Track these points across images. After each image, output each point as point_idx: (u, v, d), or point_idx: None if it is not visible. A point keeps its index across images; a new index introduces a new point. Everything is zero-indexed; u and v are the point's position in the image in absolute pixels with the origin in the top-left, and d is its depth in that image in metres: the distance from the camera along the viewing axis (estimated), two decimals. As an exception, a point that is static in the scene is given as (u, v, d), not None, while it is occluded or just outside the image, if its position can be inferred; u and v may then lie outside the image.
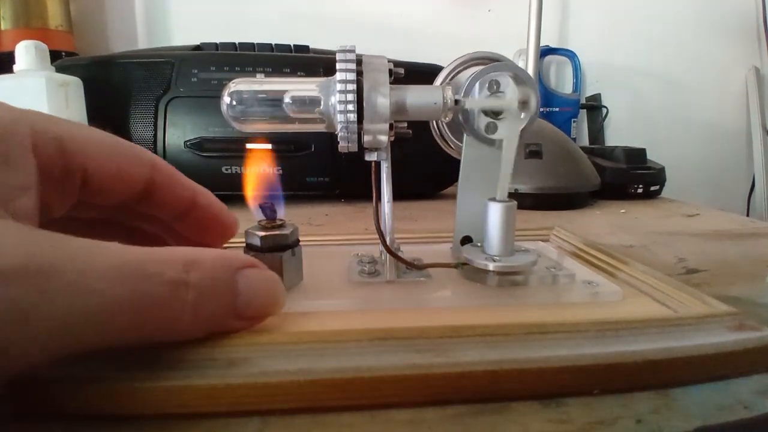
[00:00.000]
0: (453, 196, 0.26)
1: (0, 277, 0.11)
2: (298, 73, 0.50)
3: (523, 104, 0.22)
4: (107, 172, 0.17)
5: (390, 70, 0.21)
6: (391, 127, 0.21)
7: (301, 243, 0.21)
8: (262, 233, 0.19)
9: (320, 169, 0.50)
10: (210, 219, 0.20)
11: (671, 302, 0.20)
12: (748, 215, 0.87)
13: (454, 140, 0.26)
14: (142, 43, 0.79)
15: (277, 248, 0.19)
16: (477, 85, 0.22)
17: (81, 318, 0.12)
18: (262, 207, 0.20)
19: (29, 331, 0.11)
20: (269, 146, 0.44)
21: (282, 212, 0.21)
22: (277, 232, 0.19)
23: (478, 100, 0.22)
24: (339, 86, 0.20)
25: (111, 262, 0.12)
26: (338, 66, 0.20)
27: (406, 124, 0.23)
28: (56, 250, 0.12)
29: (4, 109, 0.14)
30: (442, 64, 0.26)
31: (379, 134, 0.21)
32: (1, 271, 0.11)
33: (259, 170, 0.23)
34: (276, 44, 0.55)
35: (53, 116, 0.16)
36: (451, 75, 0.25)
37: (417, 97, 0.22)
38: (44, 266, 0.11)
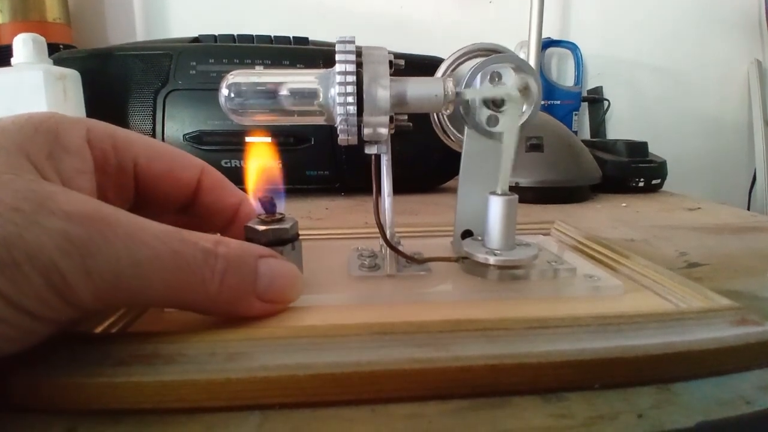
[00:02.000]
0: (454, 190, 0.25)
1: (70, 217, 0.13)
2: (298, 65, 0.49)
3: (525, 90, 0.22)
4: (158, 171, 0.19)
5: (390, 62, 0.21)
6: (391, 119, 0.21)
7: (301, 237, 0.20)
8: (262, 227, 0.19)
9: (320, 163, 0.50)
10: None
11: (672, 296, 0.20)
12: (749, 209, 0.87)
13: (455, 133, 0.26)
14: (141, 36, 0.78)
15: (277, 242, 0.19)
16: (478, 76, 0.22)
17: (132, 267, 0.13)
18: (261, 200, 0.20)
19: (89, 268, 0.13)
20: (269, 139, 0.44)
21: (282, 206, 0.20)
22: (276, 226, 0.19)
23: (478, 89, 0.22)
24: (338, 78, 0.20)
25: (158, 227, 0.15)
26: (338, 57, 0.20)
27: (406, 117, 0.23)
28: (117, 211, 0.14)
29: (64, 115, 0.17)
30: (442, 56, 0.26)
31: (380, 127, 0.21)
32: (72, 212, 0.13)
33: (258, 163, 0.23)
34: (275, 36, 0.54)
35: (107, 123, 0.18)
36: (452, 67, 0.25)
37: (418, 89, 0.21)
38: (108, 217, 0.13)
